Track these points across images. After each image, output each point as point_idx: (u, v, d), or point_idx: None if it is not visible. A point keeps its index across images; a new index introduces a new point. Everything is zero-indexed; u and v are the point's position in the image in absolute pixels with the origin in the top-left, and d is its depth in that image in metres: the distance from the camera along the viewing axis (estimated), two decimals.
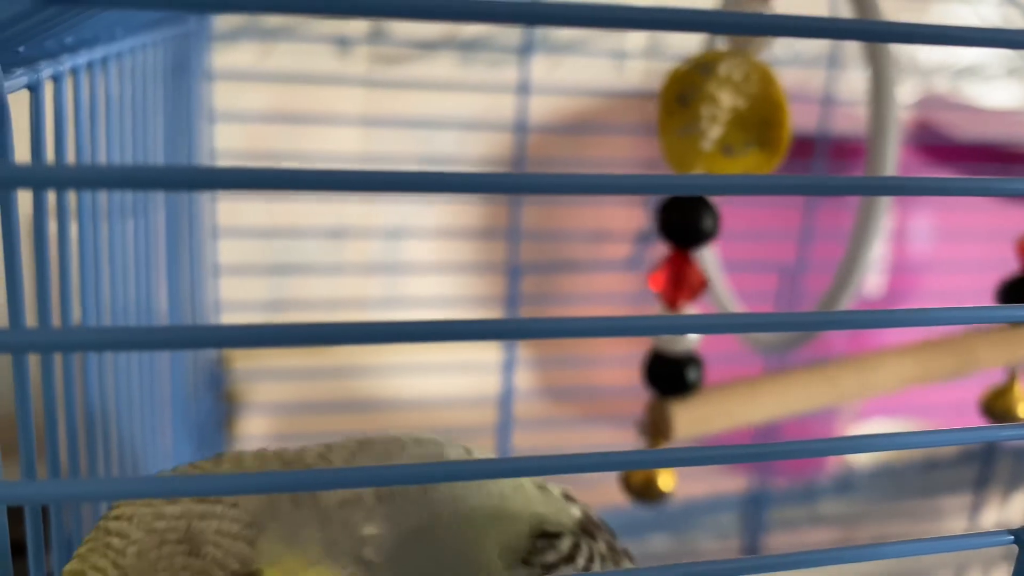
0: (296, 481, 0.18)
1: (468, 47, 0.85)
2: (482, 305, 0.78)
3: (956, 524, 0.76)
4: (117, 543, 0.25)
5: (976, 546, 0.20)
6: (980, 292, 0.51)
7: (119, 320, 0.35)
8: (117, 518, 0.26)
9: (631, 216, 0.73)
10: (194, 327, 0.16)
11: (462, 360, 0.61)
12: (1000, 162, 0.81)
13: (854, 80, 0.65)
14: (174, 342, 0.17)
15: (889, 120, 0.40)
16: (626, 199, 0.38)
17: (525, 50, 0.62)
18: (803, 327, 0.19)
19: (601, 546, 0.29)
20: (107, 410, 0.36)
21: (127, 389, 0.38)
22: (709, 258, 0.48)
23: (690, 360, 0.39)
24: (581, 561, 0.27)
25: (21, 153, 0.25)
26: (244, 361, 0.72)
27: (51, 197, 0.29)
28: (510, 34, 0.66)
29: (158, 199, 0.43)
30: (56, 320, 0.29)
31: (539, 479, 0.29)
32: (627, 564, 0.29)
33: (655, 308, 0.39)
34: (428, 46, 0.85)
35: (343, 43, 0.84)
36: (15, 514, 0.33)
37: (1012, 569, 0.21)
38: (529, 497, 0.28)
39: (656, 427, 0.39)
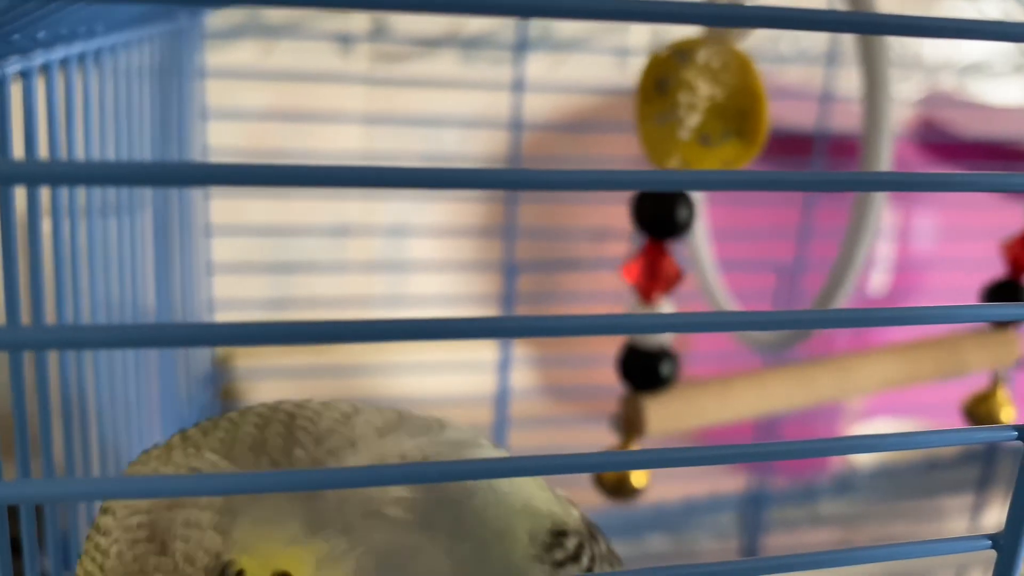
0: (288, 481, 0.18)
1: (470, 45, 0.85)
2: (485, 303, 0.78)
3: (958, 525, 0.75)
4: (103, 543, 0.25)
5: (954, 551, 0.20)
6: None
7: (103, 318, 0.35)
8: (104, 512, 0.25)
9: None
10: (187, 325, 0.16)
11: (459, 359, 0.60)
12: (1006, 160, 0.81)
13: (855, 77, 0.65)
14: (168, 340, 0.16)
15: (883, 117, 0.40)
16: (626, 196, 0.37)
17: (520, 47, 0.62)
18: (796, 325, 0.19)
19: (602, 547, 0.29)
20: (98, 408, 0.36)
21: (112, 387, 0.38)
22: (706, 257, 0.48)
23: (664, 354, 0.38)
24: (585, 561, 0.27)
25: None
26: (246, 359, 0.72)
27: (44, 195, 0.29)
28: (512, 32, 0.65)
29: (145, 197, 0.43)
30: (46, 317, 0.29)
31: (540, 479, 0.29)
32: (619, 568, 0.29)
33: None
34: (430, 44, 0.85)
35: (345, 41, 0.84)
36: (11, 513, 0.33)
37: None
38: (546, 495, 0.29)
39: (629, 422, 0.39)
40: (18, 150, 0.27)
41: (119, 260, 0.37)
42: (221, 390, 0.64)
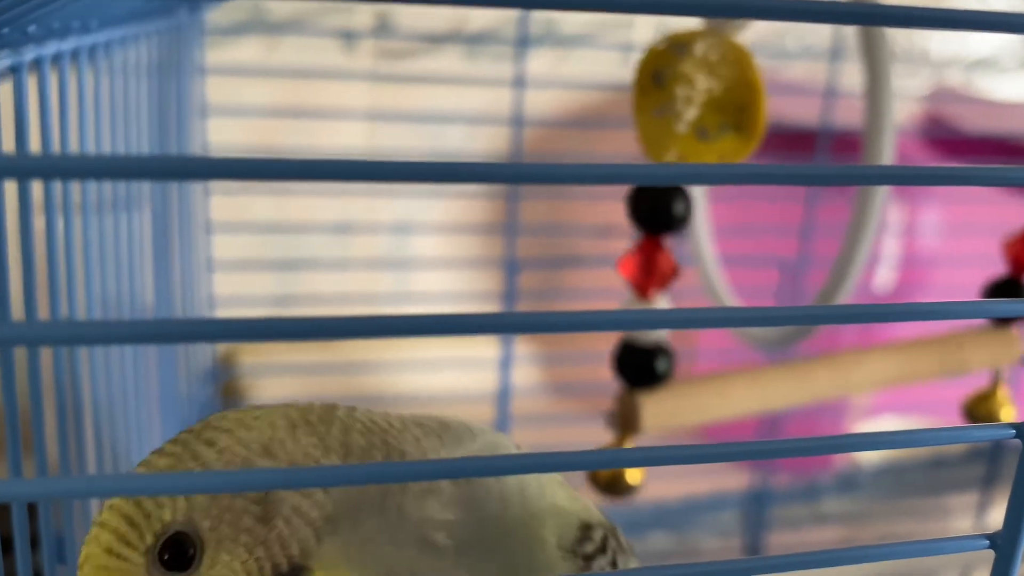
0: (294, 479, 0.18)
1: (474, 41, 0.85)
2: (489, 300, 0.78)
3: (963, 523, 0.75)
4: (208, 455, 0.24)
5: (952, 550, 0.19)
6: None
7: (100, 315, 0.35)
8: (223, 431, 0.24)
9: None
10: (182, 320, 0.16)
11: (461, 356, 0.60)
12: (1013, 156, 0.80)
13: (859, 73, 0.64)
14: (162, 336, 0.16)
15: (885, 113, 0.40)
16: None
17: (522, 44, 0.62)
18: (796, 321, 0.19)
19: (622, 539, 0.29)
20: (94, 405, 0.36)
21: (109, 383, 0.38)
22: (708, 253, 0.48)
23: (660, 350, 0.38)
24: (610, 552, 0.28)
25: None
26: (249, 356, 0.72)
27: (36, 190, 0.29)
28: (517, 27, 0.65)
29: (144, 194, 0.43)
30: (38, 313, 0.29)
31: (558, 476, 0.29)
32: (634, 561, 0.30)
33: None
34: (434, 40, 0.85)
35: (348, 37, 0.83)
36: (3, 510, 0.33)
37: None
38: (568, 492, 0.29)
39: (625, 419, 0.39)
40: (9, 150, 0.27)
41: (115, 256, 0.37)
42: (223, 387, 0.64)
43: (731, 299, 0.48)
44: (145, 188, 0.43)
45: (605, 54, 0.85)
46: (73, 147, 0.31)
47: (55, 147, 0.29)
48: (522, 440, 0.68)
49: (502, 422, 0.66)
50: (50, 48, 0.27)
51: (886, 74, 0.40)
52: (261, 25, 0.79)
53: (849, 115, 0.66)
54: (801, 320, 0.19)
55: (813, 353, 0.47)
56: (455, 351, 0.62)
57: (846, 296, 0.43)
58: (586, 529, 0.28)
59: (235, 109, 0.60)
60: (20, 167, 0.16)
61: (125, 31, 0.35)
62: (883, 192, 0.43)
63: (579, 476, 0.39)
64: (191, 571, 0.23)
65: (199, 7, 0.51)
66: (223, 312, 0.62)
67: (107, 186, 0.36)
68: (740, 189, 0.65)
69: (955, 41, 0.96)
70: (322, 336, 0.17)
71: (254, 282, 0.64)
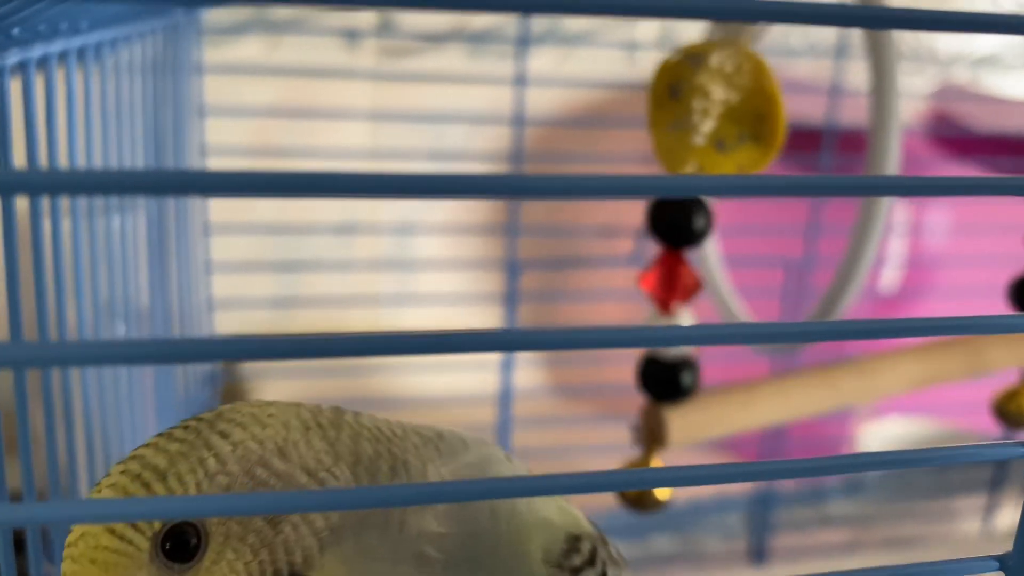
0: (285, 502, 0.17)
1: (477, 39, 0.84)
2: (492, 301, 0.77)
3: (970, 526, 0.74)
4: (212, 465, 0.24)
5: (959, 572, 0.19)
6: (997, 287, 0.50)
7: (96, 317, 0.34)
8: (223, 436, 0.24)
9: (639, 210, 0.72)
10: (191, 340, 0.16)
11: (464, 358, 0.60)
12: (1020, 154, 0.79)
13: (865, 70, 0.64)
14: (175, 356, 0.16)
15: (891, 111, 0.39)
16: None
17: (523, 42, 0.61)
18: (805, 338, 0.19)
19: (611, 550, 0.29)
20: (87, 407, 0.36)
21: (102, 385, 0.37)
22: (712, 254, 0.47)
23: (685, 364, 0.38)
24: (599, 564, 0.28)
25: None
26: None
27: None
28: (519, 26, 0.65)
29: (138, 196, 0.42)
30: (41, 322, 0.29)
31: None
32: (626, 572, 0.29)
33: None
34: (436, 39, 0.84)
35: (351, 36, 0.83)
36: None
37: None
38: (556, 502, 0.29)
39: (651, 433, 0.38)
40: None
41: (108, 260, 0.37)
42: (222, 389, 0.63)
43: (736, 300, 0.47)
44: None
45: (608, 53, 0.85)
46: (61, 152, 0.31)
47: (41, 153, 0.29)
48: (525, 442, 0.67)
49: (504, 424, 0.65)
50: (36, 51, 0.27)
51: (892, 72, 0.40)
52: (263, 24, 0.79)
53: (855, 113, 0.65)
54: (826, 336, 0.19)
55: (821, 357, 0.46)
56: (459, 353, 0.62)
57: (853, 297, 0.42)
58: (574, 541, 0.27)
59: (236, 109, 0.59)
60: (31, 183, 0.15)
61: (117, 32, 0.35)
62: None
63: None
64: (193, 563, 0.23)
65: (194, 6, 0.50)
66: (223, 313, 0.61)
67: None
68: None
69: (961, 39, 0.95)
70: (323, 355, 0.16)
71: (254, 283, 0.63)
